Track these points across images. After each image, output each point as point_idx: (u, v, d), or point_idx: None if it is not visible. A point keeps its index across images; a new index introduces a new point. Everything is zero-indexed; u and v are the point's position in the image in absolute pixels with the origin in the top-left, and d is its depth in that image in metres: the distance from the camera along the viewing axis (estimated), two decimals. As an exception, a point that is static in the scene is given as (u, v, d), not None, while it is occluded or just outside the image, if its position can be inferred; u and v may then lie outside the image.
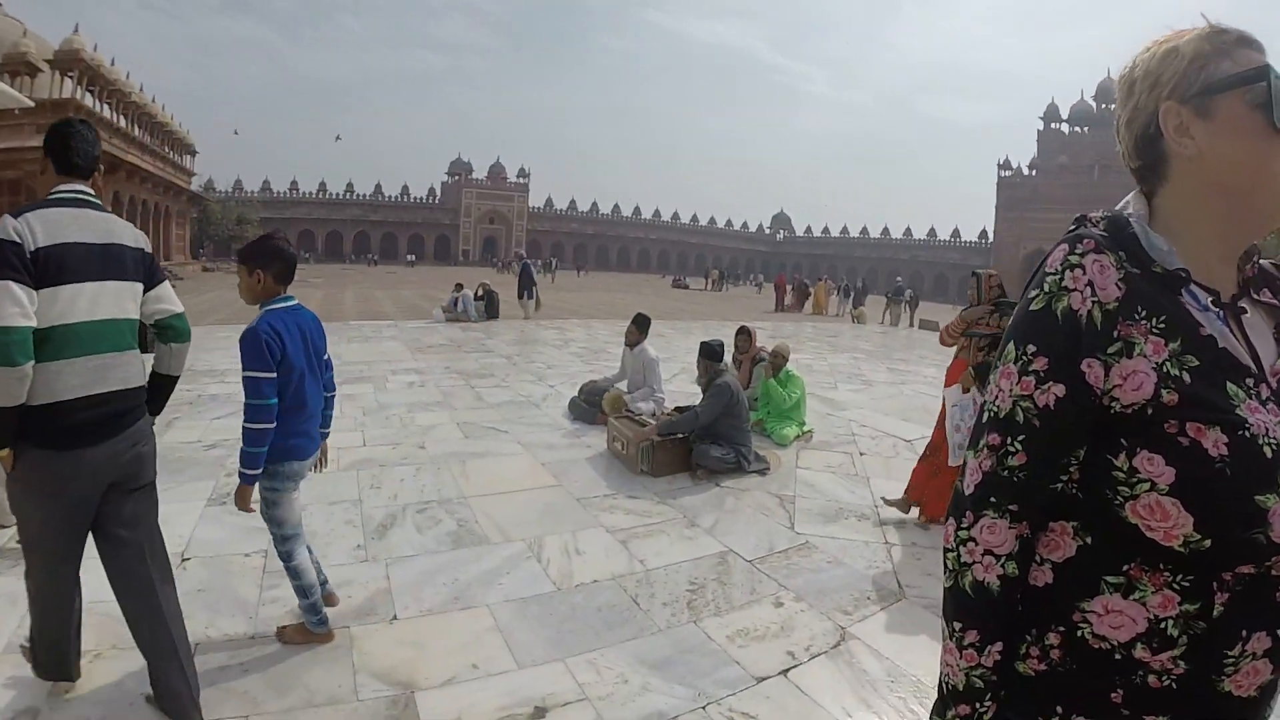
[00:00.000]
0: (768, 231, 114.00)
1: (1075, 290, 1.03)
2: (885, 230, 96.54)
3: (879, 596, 4.19)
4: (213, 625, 3.44)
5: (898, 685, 3.30)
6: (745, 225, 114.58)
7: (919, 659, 3.53)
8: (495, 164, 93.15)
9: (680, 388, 9.80)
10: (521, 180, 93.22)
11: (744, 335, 8.82)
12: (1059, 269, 1.06)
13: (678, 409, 7.17)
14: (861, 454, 7.28)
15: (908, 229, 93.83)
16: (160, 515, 4.49)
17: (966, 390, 5.04)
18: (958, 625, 1.10)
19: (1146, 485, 0.97)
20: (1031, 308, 1.07)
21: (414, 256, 79.68)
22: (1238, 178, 1.04)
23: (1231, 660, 0.98)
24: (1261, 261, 1.16)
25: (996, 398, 1.09)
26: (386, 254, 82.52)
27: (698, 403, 6.59)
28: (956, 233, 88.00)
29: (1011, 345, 1.08)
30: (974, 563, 1.08)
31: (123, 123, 37.98)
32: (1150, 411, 0.98)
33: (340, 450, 6.29)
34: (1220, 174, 1.05)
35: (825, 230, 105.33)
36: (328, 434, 3.63)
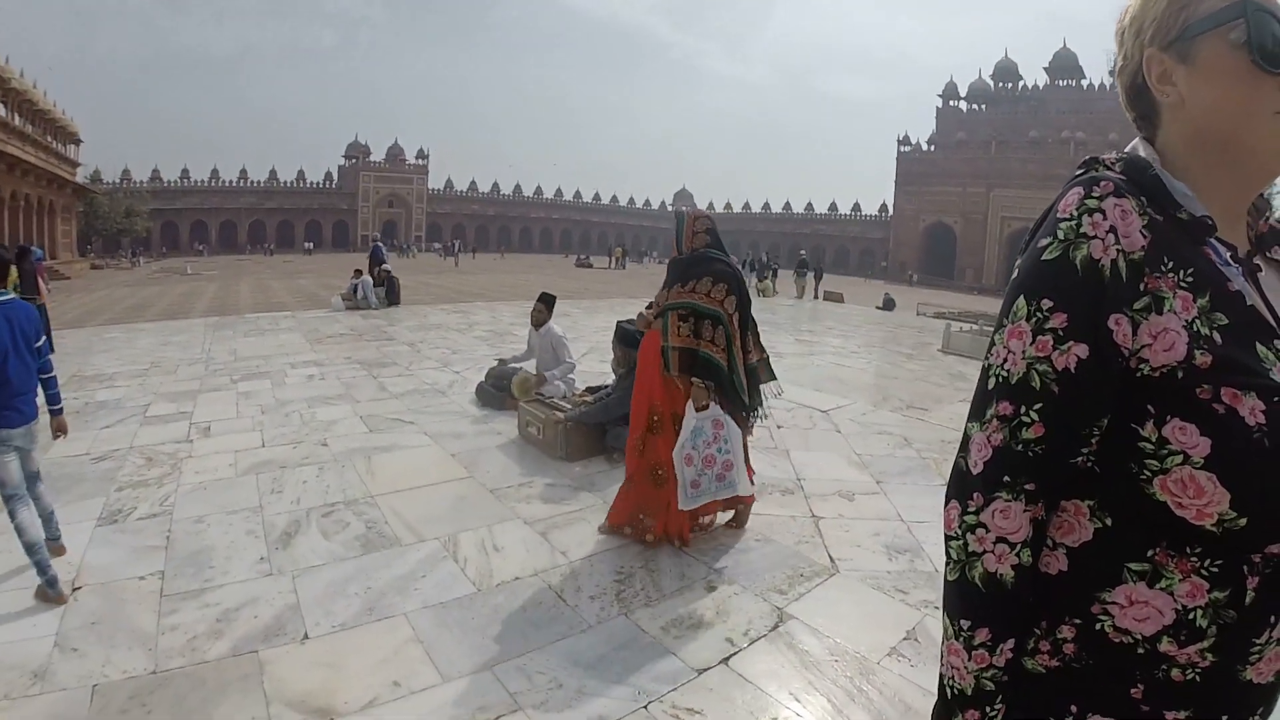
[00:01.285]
0: (670, 209, 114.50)
1: (1096, 237, 0.91)
2: (787, 205, 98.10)
3: (812, 572, 4.10)
4: (109, 662, 3.11)
5: (841, 663, 3.23)
6: (648, 203, 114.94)
7: (859, 634, 3.46)
8: (394, 145, 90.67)
9: (589, 367, 9.58)
10: (421, 162, 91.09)
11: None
12: (1075, 213, 0.93)
13: (589, 389, 6.98)
14: (779, 426, 7.20)
15: (809, 204, 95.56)
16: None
17: (703, 408, 4.15)
18: (965, 623, 0.97)
19: (1179, 458, 0.86)
20: (1045, 258, 0.94)
21: (311, 244, 77.04)
22: (1221, 123, 0.96)
23: (1258, 649, 0.89)
24: (1275, 218, 1.08)
25: (1006, 360, 0.96)
26: (283, 242, 79.40)
27: (611, 385, 6.40)
28: (857, 207, 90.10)
29: (1022, 300, 0.95)
30: (984, 552, 0.95)
31: (2, 111, 35.41)
32: (1181, 375, 0.86)
33: (238, 453, 5.94)
34: (1204, 120, 0.96)
35: (728, 206, 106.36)
36: (59, 409, 4.28)
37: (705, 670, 3.14)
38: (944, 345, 14.17)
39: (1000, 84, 76.41)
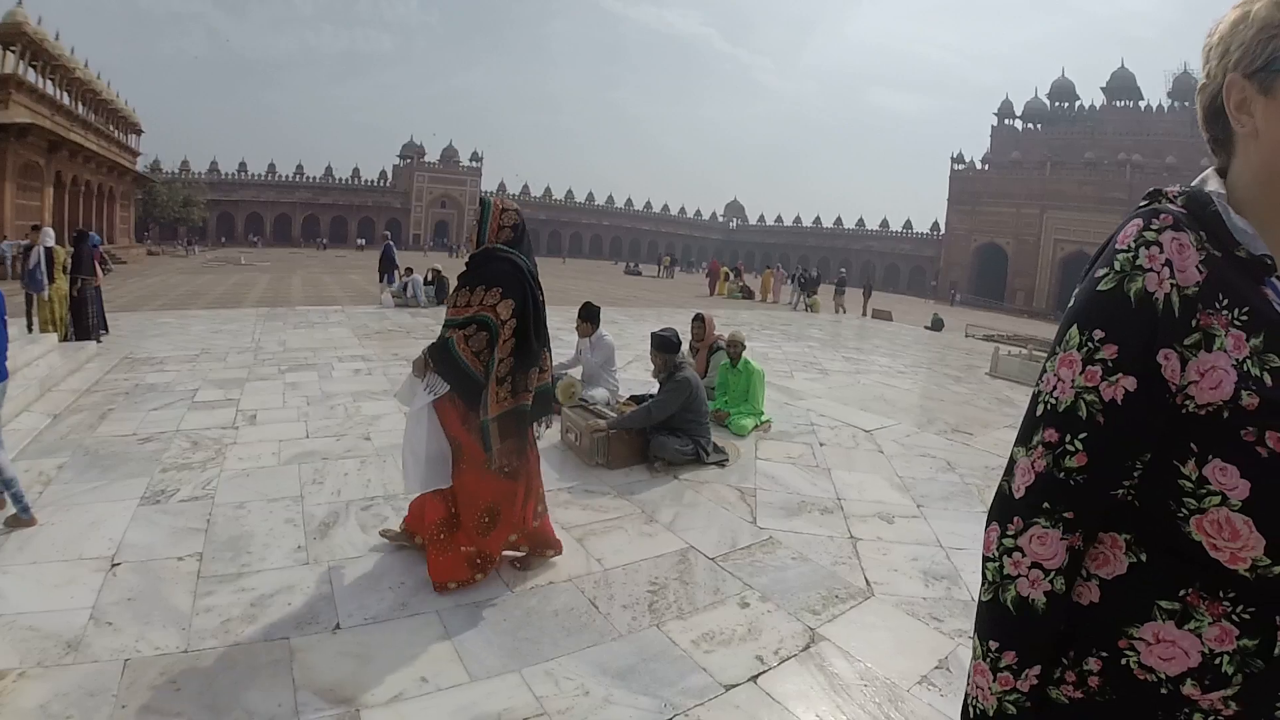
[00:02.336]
0: (721, 219, 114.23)
1: (1151, 270, 0.92)
2: (838, 220, 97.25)
3: (847, 594, 4.04)
4: (143, 639, 3.16)
5: (871, 689, 3.17)
6: (699, 213, 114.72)
7: (891, 660, 3.40)
8: (448, 147, 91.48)
9: (634, 375, 9.60)
10: (474, 165, 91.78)
11: (699, 323, 8.63)
12: (1133, 245, 0.93)
13: (633, 398, 6.97)
14: (821, 444, 7.15)
15: (860, 219, 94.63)
16: (90, 517, 4.28)
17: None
18: (994, 644, 0.99)
19: (1217, 499, 0.87)
20: (1100, 288, 0.95)
21: (364, 240, 78.27)
22: None
23: None
24: None
25: (1055, 388, 0.97)
26: (336, 238, 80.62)
27: (653, 394, 6.39)
28: (909, 224, 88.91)
29: (1075, 329, 0.96)
30: (1019, 576, 0.96)
31: (66, 100, 36.39)
32: (1227, 415, 0.86)
33: (282, 442, 6.03)
34: (1276, 155, 0.94)
35: (778, 219, 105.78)
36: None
37: (733, 687, 3.11)
38: (992, 369, 13.95)
39: (1056, 103, 75.20)
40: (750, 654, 3.38)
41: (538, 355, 3.84)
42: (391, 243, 21.27)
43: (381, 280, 19.86)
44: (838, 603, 3.94)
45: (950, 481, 6.29)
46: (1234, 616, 0.87)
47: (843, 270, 39.22)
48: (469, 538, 3.80)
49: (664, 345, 6.27)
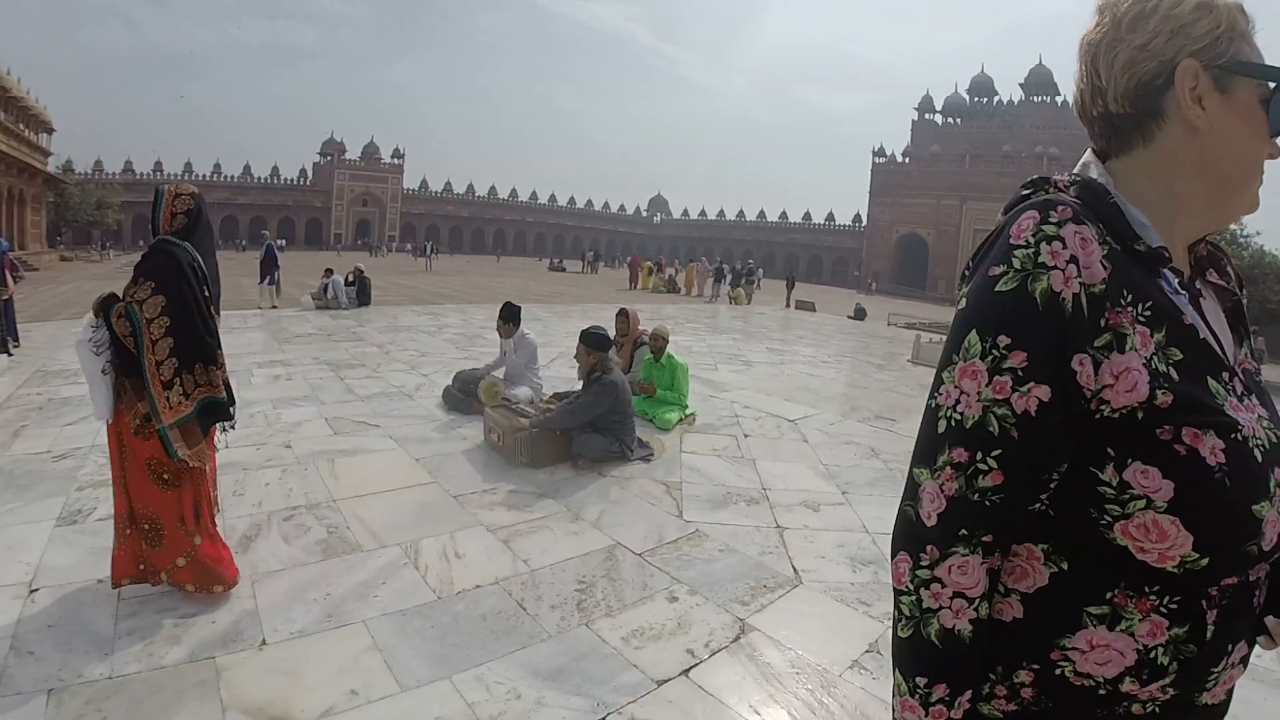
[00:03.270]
0: (645, 214, 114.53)
1: (1056, 268, 0.85)
2: (762, 214, 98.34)
3: (775, 583, 4.10)
4: (66, 666, 3.02)
5: (803, 676, 3.23)
6: (622, 208, 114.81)
7: (822, 647, 3.47)
8: (369, 144, 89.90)
9: (558, 373, 9.56)
10: (396, 161, 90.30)
11: (623, 318, 8.64)
12: (1032, 240, 0.88)
13: (556, 395, 6.95)
14: (746, 436, 7.24)
15: (783, 213, 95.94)
16: (6, 541, 4.09)
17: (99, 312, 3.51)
18: (921, 680, 0.92)
19: (1141, 503, 0.84)
20: (999, 288, 0.88)
21: (284, 241, 76.18)
22: (1233, 166, 0.94)
23: (1214, 676, 0.89)
24: (1209, 240, 1.06)
25: (959, 402, 0.89)
26: (256, 239, 78.48)
27: (576, 392, 6.37)
28: (831, 216, 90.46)
29: (975, 335, 0.89)
30: (941, 608, 0.90)
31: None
32: (1141, 415, 0.84)
33: (198, 453, 5.83)
34: (1219, 155, 0.93)
35: (702, 213, 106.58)
36: None
37: (665, 682, 3.12)
38: (914, 356, 14.30)
39: (976, 98, 77.47)
40: (681, 648, 3.40)
41: (211, 353, 3.58)
42: (273, 242, 20.00)
43: (262, 282, 18.52)
44: (766, 592, 4.00)
45: (875, 468, 6.43)
46: (1162, 609, 0.86)
47: (750, 261, 40.02)
48: (137, 543, 3.53)
49: (596, 343, 6.20)
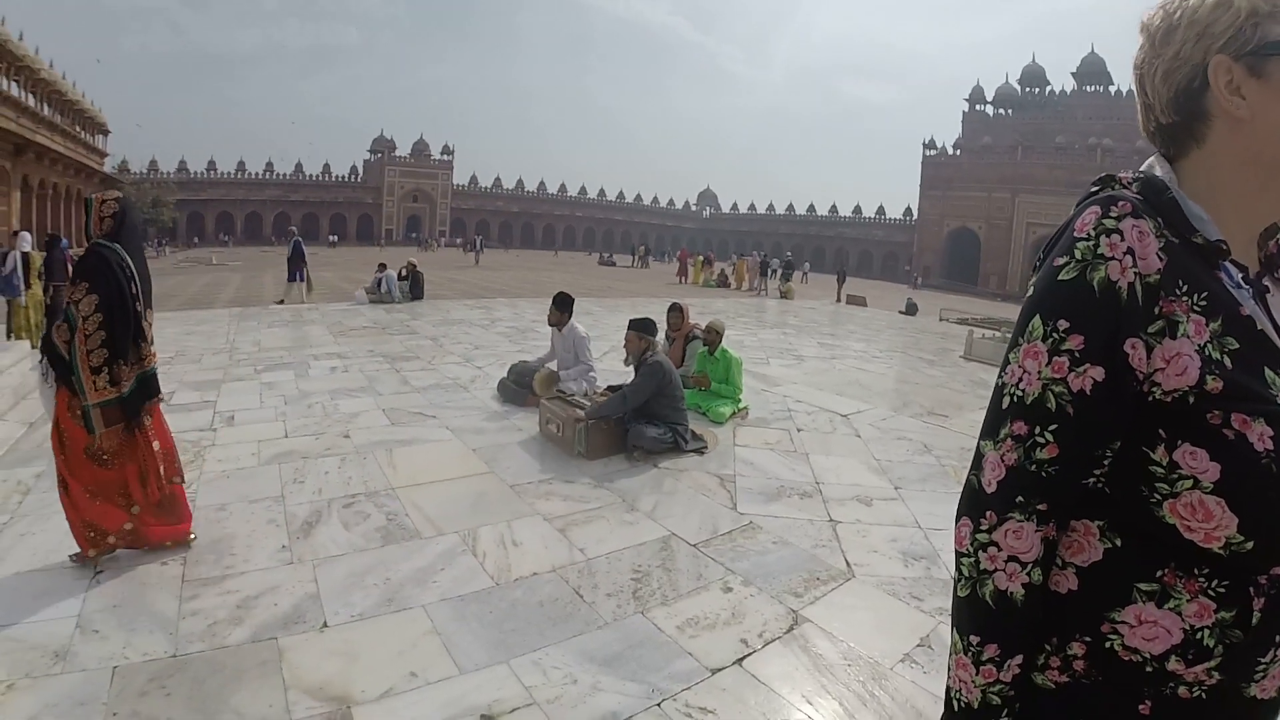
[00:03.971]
0: (694, 208, 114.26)
1: (1113, 259, 0.91)
2: (811, 208, 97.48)
3: (828, 576, 4.10)
4: (130, 645, 3.14)
5: (854, 668, 3.22)
6: (671, 202, 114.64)
7: (873, 640, 3.46)
8: (419, 141, 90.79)
9: (611, 366, 9.61)
10: (445, 158, 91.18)
11: (676, 312, 8.66)
12: (1093, 233, 0.93)
13: (610, 388, 6.99)
14: (799, 430, 7.22)
15: (833, 206, 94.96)
16: (66, 524, 4.24)
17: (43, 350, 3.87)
18: (974, 639, 0.98)
19: (1189, 482, 0.88)
20: (1061, 277, 0.94)
21: (336, 237, 77.43)
22: None
23: (1263, 667, 0.91)
24: None
25: (1021, 380, 0.96)
26: (308, 235, 78.85)
27: (628, 383, 6.43)
28: (881, 210, 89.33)
29: (1038, 320, 0.95)
30: (996, 570, 0.96)
31: (31, 101, 35.60)
32: (1192, 400, 0.88)
33: (261, 443, 6.00)
34: (1266, 139, 0.94)
35: (751, 207, 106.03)
36: None
37: (719, 670, 3.15)
38: (966, 352, 14.10)
39: (1027, 89, 75.77)
40: (735, 637, 3.42)
41: (136, 344, 3.89)
42: (300, 239, 19.58)
43: (291, 280, 18.45)
44: (819, 585, 4.00)
45: (927, 463, 6.38)
46: (1210, 591, 0.88)
47: (788, 254, 39.81)
48: (78, 514, 3.82)
49: (643, 326, 6.40)
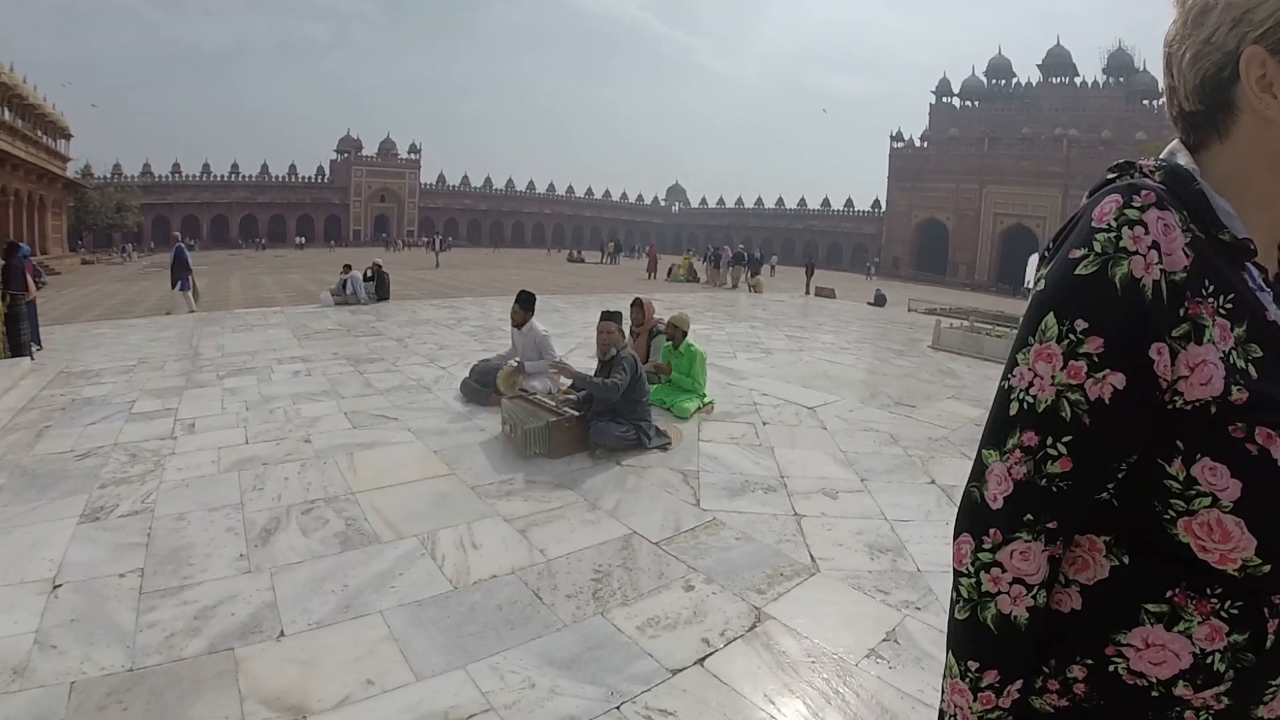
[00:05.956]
0: (663, 204, 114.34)
1: (1137, 253, 0.82)
2: (780, 201, 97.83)
3: (792, 571, 4.09)
4: (88, 659, 3.08)
5: (819, 665, 3.21)
6: (640, 198, 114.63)
7: (838, 635, 3.45)
8: (385, 140, 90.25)
9: (577, 363, 9.53)
10: (413, 156, 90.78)
11: (638, 307, 8.62)
12: (1114, 224, 0.84)
13: (573, 385, 6.96)
14: (764, 423, 7.21)
15: (802, 199, 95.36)
16: (30, 538, 4.16)
17: None
18: (973, 665, 0.92)
19: (1207, 500, 0.81)
20: (1079, 272, 0.85)
21: (303, 238, 76.69)
22: None
23: (1273, 689, 0.85)
24: None
25: (1032, 385, 0.87)
26: (275, 236, 79.08)
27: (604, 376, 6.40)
28: (850, 203, 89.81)
29: (1052, 318, 0.86)
30: (999, 593, 0.89)
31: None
32: (1214, 410, 0.81)
33: (221, 449, 5.90)
34: None
35: (720, 201, 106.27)
36: None
37: (680, 671, 3.13)
38: (934, 341, 14.18)
39: (993, 81, 76.45)
40: (696, 637, 3.40)
41: None
42: (183, 244, 17.78)
43: (174, 287, 16.87)
44: (783, 580, 3.99)
45: (894, 454, 6.39)
46: (1222, 613, 0.83)
47: (740, 246, 39.74)
48: None
49: (612, 315, 6.50)
